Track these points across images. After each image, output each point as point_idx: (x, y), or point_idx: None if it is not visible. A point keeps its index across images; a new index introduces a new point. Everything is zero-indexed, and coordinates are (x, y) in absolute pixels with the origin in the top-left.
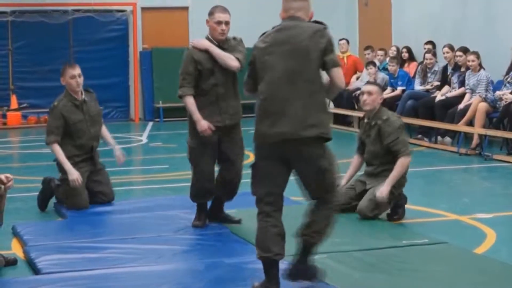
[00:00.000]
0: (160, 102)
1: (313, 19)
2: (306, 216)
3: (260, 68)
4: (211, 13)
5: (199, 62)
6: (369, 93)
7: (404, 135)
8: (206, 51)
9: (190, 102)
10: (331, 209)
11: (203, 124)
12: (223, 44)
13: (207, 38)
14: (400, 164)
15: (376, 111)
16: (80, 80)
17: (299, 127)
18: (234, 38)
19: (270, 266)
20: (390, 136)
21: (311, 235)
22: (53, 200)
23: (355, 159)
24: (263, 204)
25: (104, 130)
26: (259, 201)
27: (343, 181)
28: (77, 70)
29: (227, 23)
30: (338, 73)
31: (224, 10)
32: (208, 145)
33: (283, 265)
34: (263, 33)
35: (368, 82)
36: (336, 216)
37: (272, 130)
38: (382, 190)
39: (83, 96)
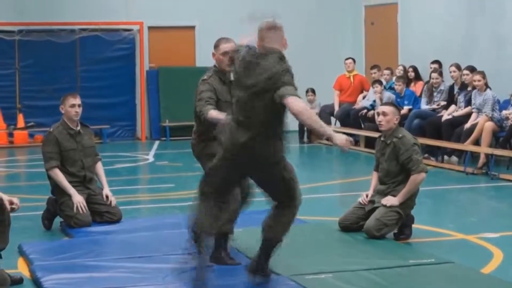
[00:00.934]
0: (167, 120)
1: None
2: (270, 219)
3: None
4: (216, 46)
5: (220, 93)
6: (384, 113)
7: (417, 153)
8: (225, 84)
9: (214, 113)
10: (294, 214)
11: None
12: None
13: (215, 67)
14: (412, 180)
15: (393, 130)
16: (79, 110)
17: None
18: None
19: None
20: (404, 154)
21: (274, 239)
22: (58, 219)
23: (374, 174)
24: (206, 195)
25: (100, 168)
26: (203, 193)
27: (370, 191)
28: (77, 100)
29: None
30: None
31: (228, 40)
32: None
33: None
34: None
35: (385, 103)
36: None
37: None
38: (390, 199)
39: (79, 128)
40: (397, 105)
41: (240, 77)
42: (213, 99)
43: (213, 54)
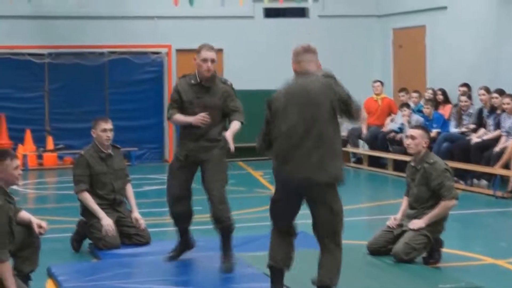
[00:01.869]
0: None
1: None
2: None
3: (276, 121)
4: (198, 51)
5: (181, 93)
6: (412, 137)
7: (448, 179)
8: (193, 86)
9: (177, 116)
10: (339, 252)
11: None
12: (206, 82)
13: (193, 74)
14: (443, 205)
15: (423, 155)
16: (111, 134)
17: (313, 173)
18: (225, 82)
19: (274, 273)
20: (435, 179)
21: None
22: (87, 241)
23: (405, 199)
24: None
25: (129, 190)
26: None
27: (398, 215)
28: (109, 125)
29: (212, 60)
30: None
31: (211, 48)
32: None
33: None
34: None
35: (414, 126)
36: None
37: (289, 175)
38: (416, 222)
39: (110, 151)
40: (427, 129)
41: (288, 103)
42: (176, 102)
43: (194, 59)
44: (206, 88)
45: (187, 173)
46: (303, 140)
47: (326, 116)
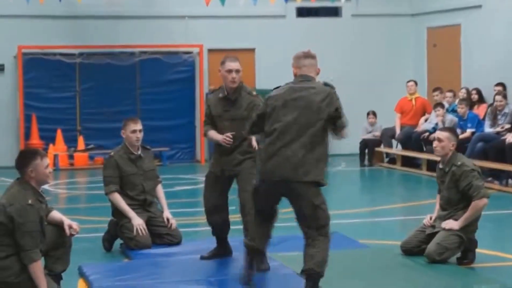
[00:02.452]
0: None
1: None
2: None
3: (271, 118)
4: (222, 63)
5: (211, 107)
6: (439, 139)
7: (477, 179)
8: (221, 99)
9: (210, 133)
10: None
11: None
12: (233, 94)
13: (221, 88)
14: (474, 206)
15: (450, 157)
16: (140, 135)
17: (295, 173)
18: (250, 93)
19: (251, 253)
20: (464, 180)
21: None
22: (119, 241)
23: (438, 197)
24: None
25: (160, 191)
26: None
27: (434, 214)
28: (138, 126)
29: (237, 71)
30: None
31: (235, 59)
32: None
33: None
34: (276, 87)
35: (441, 128)
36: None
37: (272, 171)
38: (450, 222)
39: (139, 152)
40: (455, 130)
41: (287, 104)
42: (208, 118)
43: (219, 70)
44: (232, 101)
45: (223, 185)
46: (293, 141)
47: (320, 123)
